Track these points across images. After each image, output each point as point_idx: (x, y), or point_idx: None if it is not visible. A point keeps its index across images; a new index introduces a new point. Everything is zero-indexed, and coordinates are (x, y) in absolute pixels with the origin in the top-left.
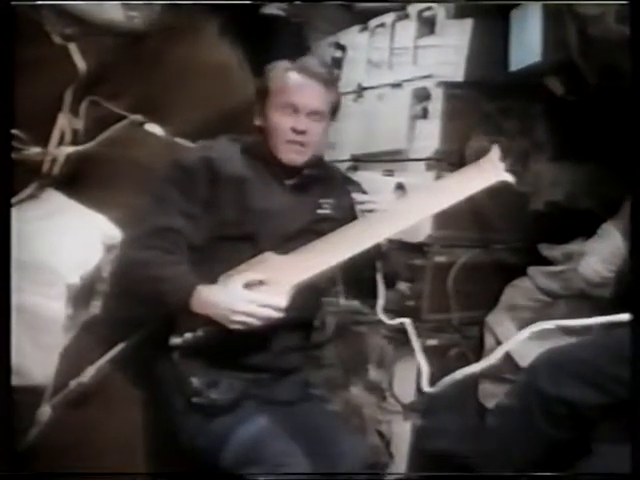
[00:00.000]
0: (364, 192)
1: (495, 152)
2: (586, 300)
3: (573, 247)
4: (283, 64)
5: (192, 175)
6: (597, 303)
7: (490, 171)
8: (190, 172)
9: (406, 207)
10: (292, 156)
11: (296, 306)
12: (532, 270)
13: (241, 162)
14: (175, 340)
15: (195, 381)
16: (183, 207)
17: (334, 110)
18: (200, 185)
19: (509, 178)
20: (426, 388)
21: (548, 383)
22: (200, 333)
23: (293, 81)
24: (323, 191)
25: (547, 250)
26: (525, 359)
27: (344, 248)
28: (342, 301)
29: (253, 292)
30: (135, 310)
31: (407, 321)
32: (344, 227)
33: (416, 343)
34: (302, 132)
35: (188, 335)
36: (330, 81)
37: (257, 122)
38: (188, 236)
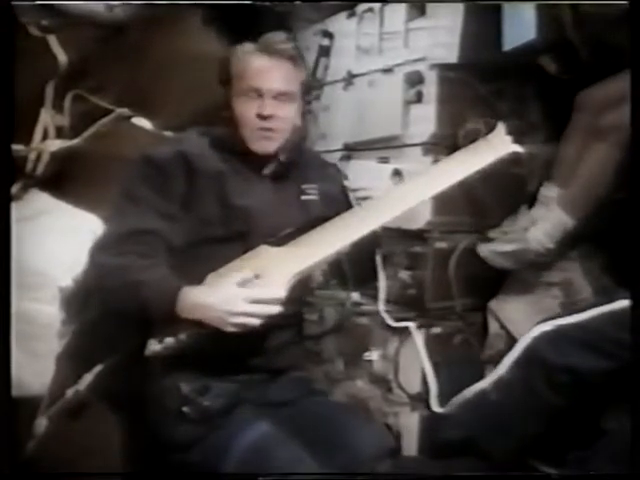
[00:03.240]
0: (345, 175)
1: (501, 127)
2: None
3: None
4: (245, 46)
5: (166, 171)
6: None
7: (499, 144)
8: (164, 168)
9: (409, 190)
10: (263, 144)
11: (290, 299)
12: (483, 248)
13: (214, 156)
14: (154, 347)
15: (184, 387)
16: (158, 206)
17: (305, 89)
18: (176, 181)
19: (519, 149)
20: (436, 408)
21: (550, 352)
22: (183, 337)
23: (254, 63)
24: (304, 177)
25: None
26: (522, 332)
27: (341, 236)
28: (341, 293)
29: (249, 289)
30: (118, 319)
31: (413, 326)
32: (341, 215)
33: (425, 358)
34: (269, 117)
35: (169, 340)
36: (295, 57)
37: (224, 113)
38: (166, 238)
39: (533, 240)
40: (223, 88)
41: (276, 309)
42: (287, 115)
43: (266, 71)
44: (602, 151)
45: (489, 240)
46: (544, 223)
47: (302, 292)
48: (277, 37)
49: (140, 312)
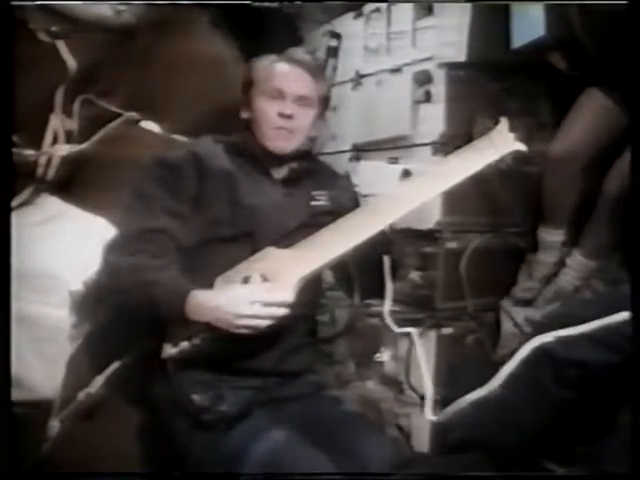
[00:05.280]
0: (354, 185)
1: (504, 123)
2: None
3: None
4: (269, 57)
5: (178, 172)
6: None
7: (501, 142)
8: (175, 169)
9: (414, 189)
10: (280, 143)
11: (300, 301)
12: (530, 314)
13: (226, 158)
14: (170, 351)
15: (198, 398)
16: (170, 206)
17: (323, 101)
18: (187, 182)
19: (521, 147)
20: (429, 417)
21: (557, 346)
22: (197, 341)
23: (279, 69)
24: (315, 184)
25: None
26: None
27: (349, 237)
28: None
29: (256, 291)
30: (130, 320)
31: (414, 331)
32: (347, 215)
33: (424, 363)
34: (289, 117)
35: (184, 344)
36: (317, 70)
37: (243, 115)
38: (176, 237)
39: (566, 285)
40: (243, 92)
41: (283, 312)
42: (305, 118)
43: (289, 76)
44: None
45: (519, 304)
46: (570, 271)
47: (312, 294)
48: (300, 50)
49: (151, 313)
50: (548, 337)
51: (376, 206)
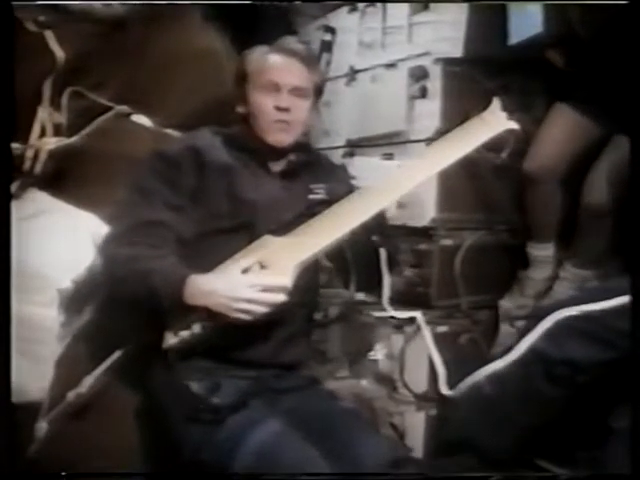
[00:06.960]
0: (352, 177)
1: (496, 103)
2: None
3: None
4: (261, 48)
5: (177, 165)
6: None
7: (494, 121)
8: (174, 162)
9: (408, 172)
10: (279, 136)
11: (298, 288)
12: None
13: (225, 151)
14: (171, 340)
15: (195, 386)
16: (169, 199)
17: (318, 91)
18: (186, 175)
19: (514, 126)
20: (444, 391)
21: (549, 343)
22: (197, 330)
23: (272, 61)
24: (313, 177)
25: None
26: None
27: (344, 222)
28: (345, 292)
29: (254, 276)
30: (127, 313)
31: (419, 315)
32: (341, 201)
33: (431, 343)
34: (286, 109)
35: (184, 333)
36: (310, 59)
37: (239, 109)
38: (175, 229)
39: (562, 296)
40: (237, 86)
41: (281, 297)
42: (302, 109)
43: (283, 67)
44: (605, 224)
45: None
46: (565, 282)
47: (309, 282)
48: (292, 40)
49: (150, 301)
50: (572, 310)
51: (370, 192)
